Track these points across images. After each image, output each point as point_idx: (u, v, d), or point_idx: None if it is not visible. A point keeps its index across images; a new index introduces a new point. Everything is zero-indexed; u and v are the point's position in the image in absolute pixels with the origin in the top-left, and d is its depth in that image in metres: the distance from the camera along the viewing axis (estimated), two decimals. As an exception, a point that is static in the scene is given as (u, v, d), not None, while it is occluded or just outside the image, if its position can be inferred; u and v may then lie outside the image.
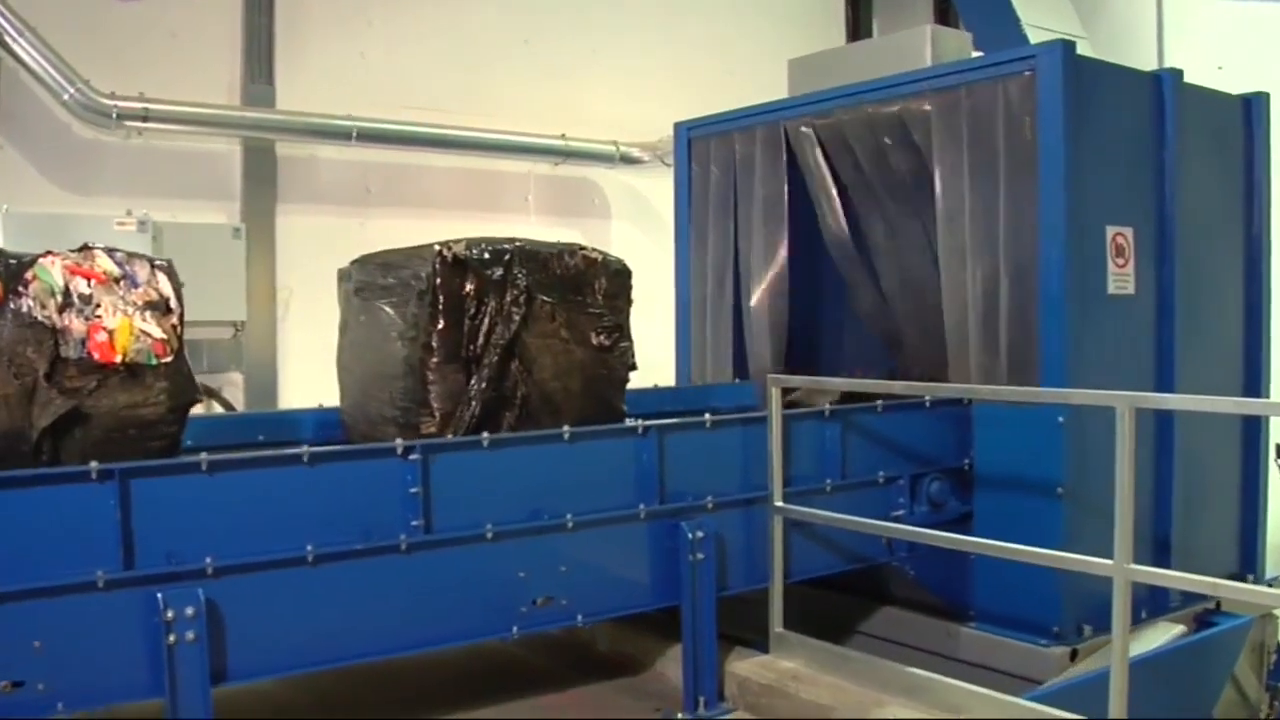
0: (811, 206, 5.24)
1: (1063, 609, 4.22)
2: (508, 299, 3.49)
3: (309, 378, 7.64)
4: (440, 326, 3.42)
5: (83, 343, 2.91)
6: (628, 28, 9.19)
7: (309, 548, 3.03)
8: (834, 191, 5.10)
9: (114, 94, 6.73)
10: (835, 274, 5.37)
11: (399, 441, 3.18)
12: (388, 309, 3.60)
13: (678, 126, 6.04)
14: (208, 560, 2.89)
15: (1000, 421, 4.37)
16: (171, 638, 2.79)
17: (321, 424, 4.16)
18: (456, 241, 3.52)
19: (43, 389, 2.84)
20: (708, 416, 3.84)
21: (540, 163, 8.68)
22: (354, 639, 3.12)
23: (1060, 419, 4.12)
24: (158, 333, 3.02)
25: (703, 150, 5.88)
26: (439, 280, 3.43)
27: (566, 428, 3.50)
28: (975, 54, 5.16)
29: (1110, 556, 3.06)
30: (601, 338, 3.73)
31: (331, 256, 7.63)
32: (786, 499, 3.92)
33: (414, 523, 3.18)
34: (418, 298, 3.45)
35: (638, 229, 9.09)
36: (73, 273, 2.95)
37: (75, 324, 2.92)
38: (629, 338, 3.85)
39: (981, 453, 4.40)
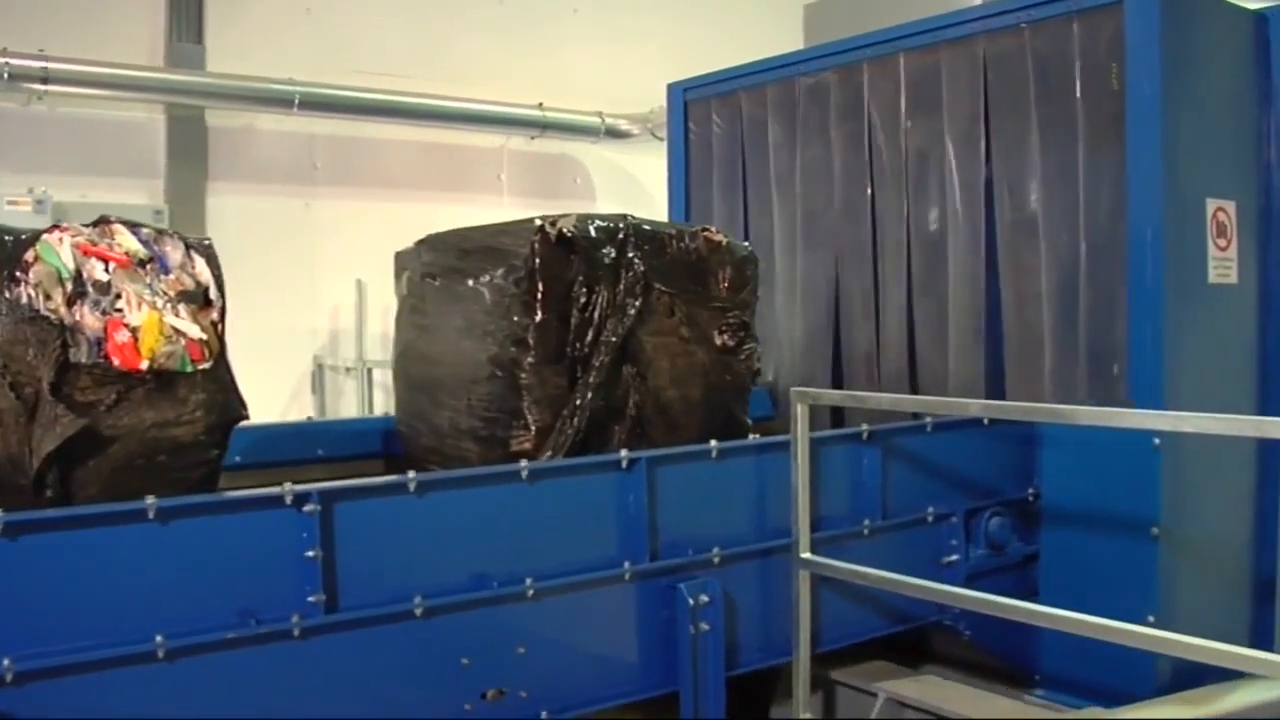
0: (836, 179, 4.67)
1: (1155, 674, 3.57)
2: (621, 287, 3.14)
3: (244, 384, 6.95)
4: (539, 319, 3.06)
5: (99, 344, 2.49)
6: (615, -16, 8.80)
7: (159, 638, 2.27)
8: (862, 161, 4.53)
9: (6, 50, 6.16)
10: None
11: (288, 486, 2.41)
12: (469, 298, 3.26)
13: (672, 88, 5.48)
14: (5, 663, 2.12)
15: (1075, 442, 3.72)
16: (-53, 777, 2.03)
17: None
18: (562, 216, 3.17)
19: (47, 404, 2.41)
20: (714, 443, 3.13)
21: (514, 136, 8.31)
22: (227, 761, 2.35)
23: (1156, 441, 3.50)
24: (194, 331, 2.61)
25: (702, 115, 5.31)
26: (539, 262, 3.06)
27: (524, 463, 2.74)
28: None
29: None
30: (725, 337, 3.41)
31: (270, 243, 7.35)
32: (815, 547, 3.24)
33: (312, 598, 2.44)
34: (512, 284, 3.11)
35: (626, 212, 8.45)
36: (86, 253, 2.53)
37: (89, 319, 2.49)
38: (755, 338, 3.55)
39: (1050, 481, 3.82)
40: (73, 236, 2.56)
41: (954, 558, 3.66)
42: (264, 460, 3.59)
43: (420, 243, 3.61)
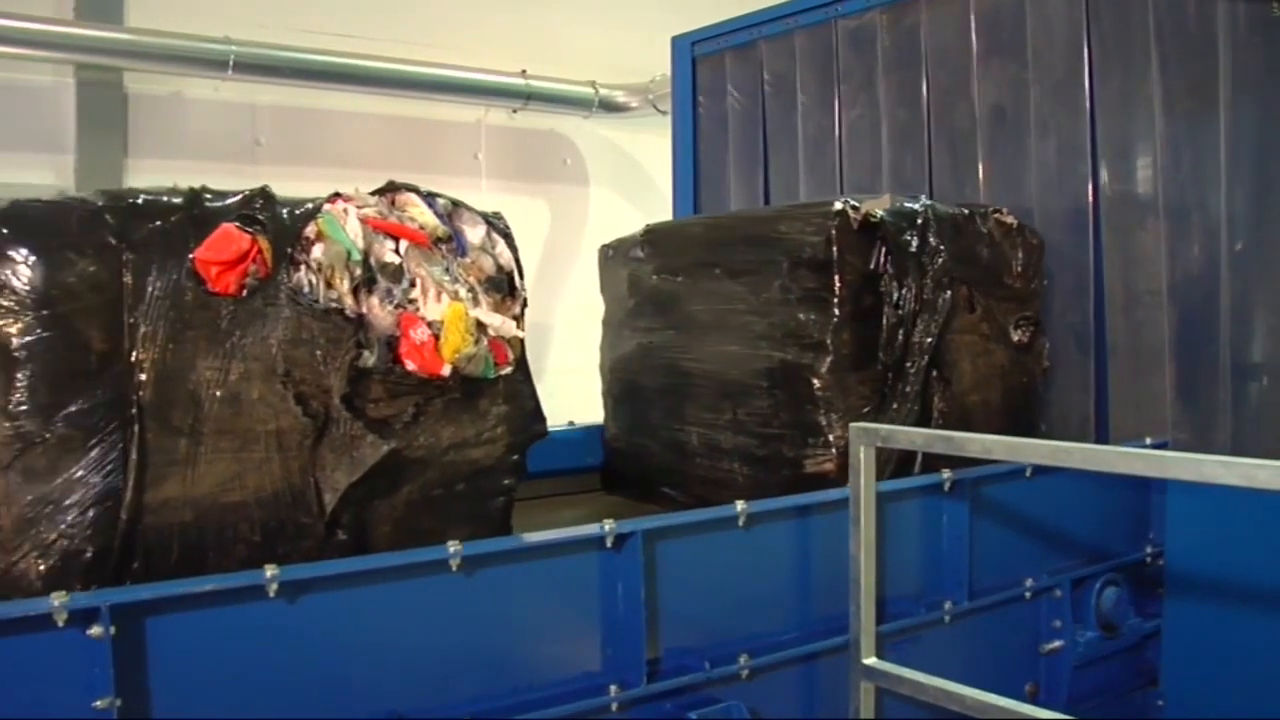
0: (884, 144, 4.29)
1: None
2: (929, 280, 3.03)
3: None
4: (838, 318, 2.93)
5: (390, 344, 2.22)
6: (610, -67, 8.45)
7: None
8: (918, 120, 4.14)
9: (-127, -3, 5.54)
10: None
11: (58, 600, 1.59)
12: (732, 296, 3.17)
13: (678, 41, 5.27)
14: None
15: (1212, 491, 3.04)
16: None
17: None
18: (859, 198, 3.04)
19: (341, 420, 2.14)
20: (740, 506, 2.36)
21: (494, 108, 7.82)
22: None
23: (1335, 486, 2.82)
24: (508, 327, 2.41)
25: (714, 74, 5.00)
26: (837, 251, 2.92)
27: (451, 544, 1.95)
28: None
29: None
30: (1020, 333, 3.35)
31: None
32: (881, 646, 2.48)
33: (108, 775, 1.69)
34: (799, 278, 2.99)
35: (623, 198, 8.21)
36: (376, 228, 2.27)
37: (379, 312, 2.22)
38: (1045, 333, 3.48)
39: (1177, 537, 3.26)
40: (358, 207, 2.27)
41: (1058, 643, 3.11)
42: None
43: (647, 232, 3.55)
